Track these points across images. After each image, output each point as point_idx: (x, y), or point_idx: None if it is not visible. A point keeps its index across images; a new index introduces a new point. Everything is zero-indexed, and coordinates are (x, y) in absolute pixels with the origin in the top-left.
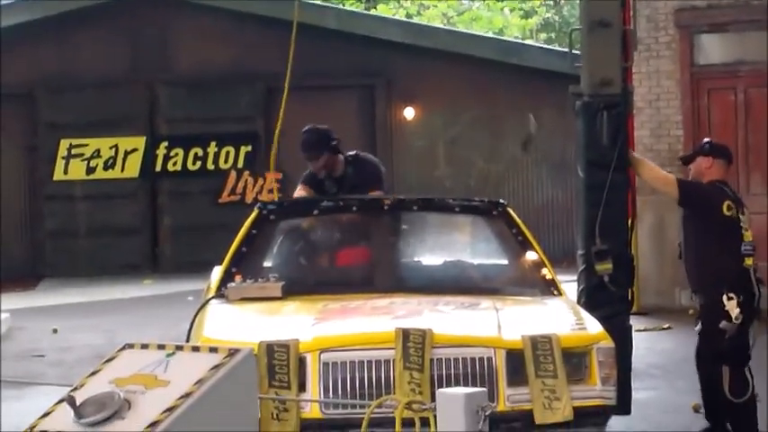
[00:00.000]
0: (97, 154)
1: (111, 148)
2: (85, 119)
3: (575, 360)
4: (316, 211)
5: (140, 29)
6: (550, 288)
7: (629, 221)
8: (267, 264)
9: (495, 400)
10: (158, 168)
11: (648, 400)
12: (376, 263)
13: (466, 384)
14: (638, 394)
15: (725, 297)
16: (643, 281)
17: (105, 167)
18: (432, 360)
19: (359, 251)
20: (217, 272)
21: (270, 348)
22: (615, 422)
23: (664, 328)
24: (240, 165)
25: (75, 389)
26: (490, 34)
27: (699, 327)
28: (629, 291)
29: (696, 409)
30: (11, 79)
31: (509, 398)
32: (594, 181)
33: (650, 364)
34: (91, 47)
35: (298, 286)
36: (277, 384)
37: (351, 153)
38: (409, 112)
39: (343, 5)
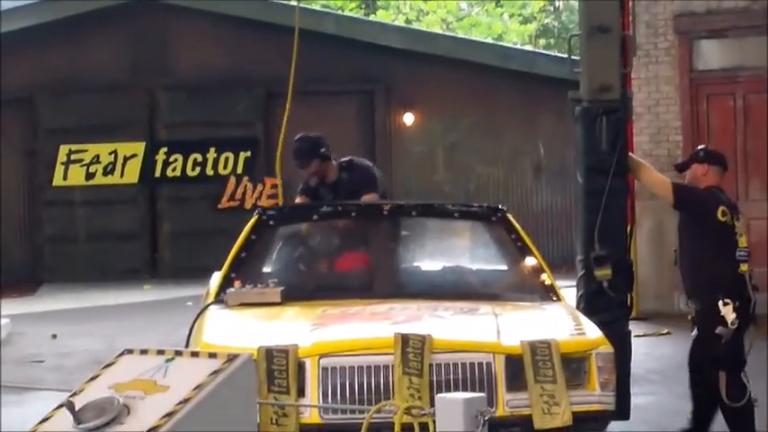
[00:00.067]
0: (96, 159)
1: (110, 153)
2: (85, 124)
3: (574, 365)
4: (315, 217)
5: (140, 34)
6: (549, 293)
7: (628, 227)
8: (266, 269)
9: (495, 405)
10: (158, 174)
11: (647, 405)
12: (375, 268)
13: (465, 389)
14: (637, 399)
15: (720, 302)
16: (642, 286)
17: (105, 173)
18: (431, 365)
19: (358, 257)
20: (216, 277)
21: (269, 354)
22: (614, 427)
23: (663, 334)
24: (239, 170)
25: (75, 394)
26: (489, 40)
27: (695, 332)
28: (628, 296)
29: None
30: (11, 84)
31: (508, 403)
32: (593, 187)
33: (649, 370)
34: (91, 52)
35: (297, 292)
36: (276, 389)
37: (345, 159)
38: (408, 118)
39: (343, 11)
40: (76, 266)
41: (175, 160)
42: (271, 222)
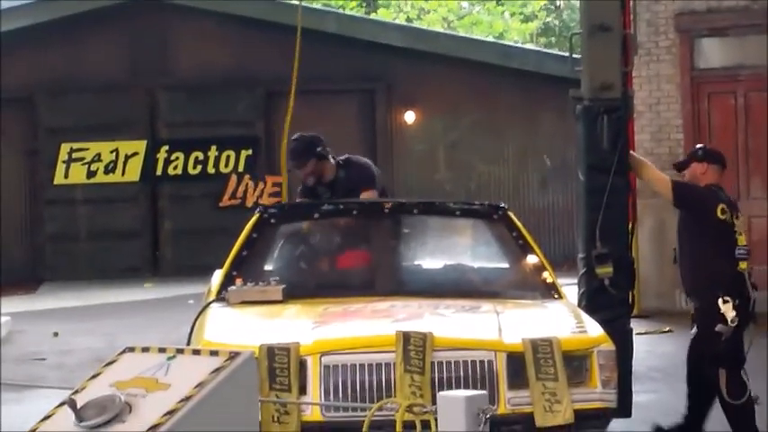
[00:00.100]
0: (98, 158)
1: (111, 152)
2: (86, 123)
3: (575, 363)
4: (316, 215)
5: (141, 33)
6: (551, 291)
7: (630, 225)
8: (268, 267)
9: (496, 402)
10: (159, 172)
11: (649, 402)
12: (376, 266)
13: (467, 387)
14: (638, 397)
15: (720, 300)
16: (643, 284)
17: (106, 171)
18: (432, 363)
19: (359, 254)
20: (217, 275)
21: (271, 351)
22: (616, 425)
23: (664, 331)
24: (241, 169)
25: (76, 392)
26: (490, 38)
27: (694, 330)
28: (630, 294)
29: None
30: (11, 83)
31: (510, 401)
32: (595, 185)
33: (651, 367)
34: (91, 51)
35: (298, 289)
36: (278, 387)
37: (342, 157)
38: (410, 116)
39: (344, 10)
40: (78, 264)
41: (177, 158)
42: (272, 220)
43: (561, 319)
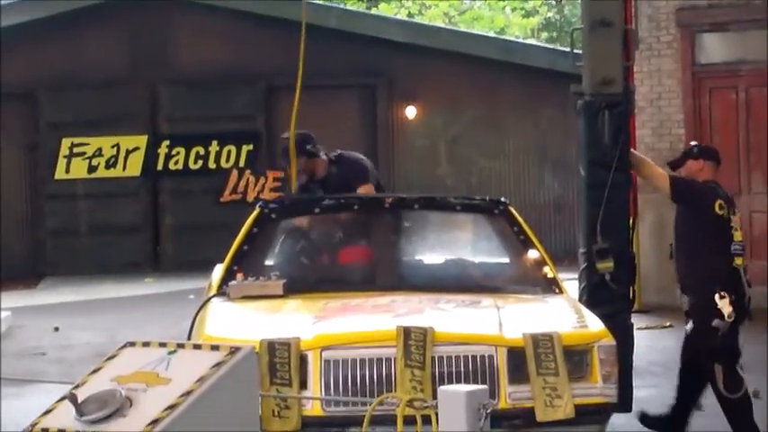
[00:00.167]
0: (99, 153)
1: (112, 146)
2: (87, 118)
3: (576, 358)
4: (317, 210)
5: (141, 28)
6: (552, 286)
7: (631, 220)
8: (269, 262)
9: (497, 397)
10: (160, 167)
11: (649, 397)
12: (377, 261)
13: (467, 382)
14: (639, 392)
15: (717, 296)
16: (644, 279)
17: (107, 166)
18: (433, 358)
19: (360, 249)
20: (218, 270)
21: (271, 346)
22: (616, 420)
23: (665, 326)
24: (242, 164)
25: (77, 386)
26: (491, 34)
27: (690, 326)
28: (631, 289)
29: (698, 407)
30: (12, 78)
31: (510, 395)
32: (596, 180)
33: (651, 362)
34: (92, 46)
35: (299, 284)
36: (278, 382)
37: (334, 153)
38: (411, 112)
39: (345, 5)
40: (78, 259)
41: (177, 153)
42: (273, 215)
43: (562, 313)
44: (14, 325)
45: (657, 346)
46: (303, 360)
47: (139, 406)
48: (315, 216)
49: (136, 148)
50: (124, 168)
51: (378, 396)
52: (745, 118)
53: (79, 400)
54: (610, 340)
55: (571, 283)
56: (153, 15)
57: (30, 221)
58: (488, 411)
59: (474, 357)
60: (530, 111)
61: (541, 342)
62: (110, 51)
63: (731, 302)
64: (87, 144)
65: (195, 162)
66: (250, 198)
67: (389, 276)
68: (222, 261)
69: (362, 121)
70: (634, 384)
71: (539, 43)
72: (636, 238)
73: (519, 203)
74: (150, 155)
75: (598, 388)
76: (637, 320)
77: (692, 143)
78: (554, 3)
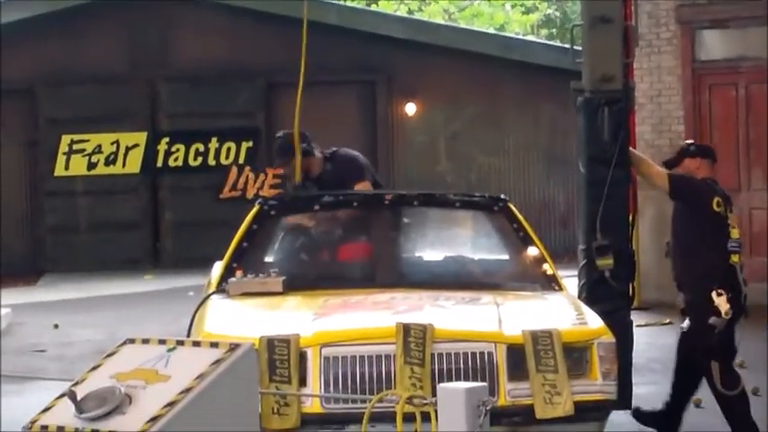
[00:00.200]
0: (98, 149)
1: (112, 143)
2: (86, 114)
3: (575, 355)
4: (316, 207)
5: (141, 24)
6: (551, 283)
7: (630, 217)
8: (268, 259)
9: (496, 394)
10: (159, 164)
11: (649, 394)
12: (377, 258)
13: (467, 379)
14: (638, 389)
15: (714, 293)
16: (644, 276)
17: (106, 163)
18: (432, 355)
19: (360, 246)
20: (218, 267)
21: (270, 343)
22: (616, 417)
23: (664, 324)
24: (241, 160)
25: (77, 383)
26: (491, 30)
27: (686, 323)
28: (630, 286)
29: (697, 404)
30: (12, 75)
31: (510, 392)
32: (595, 176)
33: (651, 359)
34: (92, 42)
35: (298, 281)
36: (278, 379)
37: (329, 150)
38: (410, 108)
39: (345, 1)
40: (78, 256)
41: (177, 150)
42: (272, 212)
43: (561, 310)
44: (14, 322)
45: (657, 343)
46: (303, 357)
47: (139, 403)
48: (314, 213)
49: (135, 145)
50: (124, 165)
51: (377, 393)
52: (745, 115)
53: (79, 398)
54: (609, 337)
55: (570, 280)
56: (153, 12)
57: (29, 218)
58: (488, 408)
59: (473, 354)
60: (529, 107)
61: (541, 339)
62: (110, 48)
63: (728, 300)
64: (87, 141)
65: (195, 159)
66: (250, 195)
67: (389, 273)
68: (222, 258)
69: (362, 117)
70: (633, 381)
71: (538, 40)
72: (636, 235)
73: (518, 200)
74: (150, 152)
75: (597, 385)
76: (636, 317)
77: (688, 142)
78: None
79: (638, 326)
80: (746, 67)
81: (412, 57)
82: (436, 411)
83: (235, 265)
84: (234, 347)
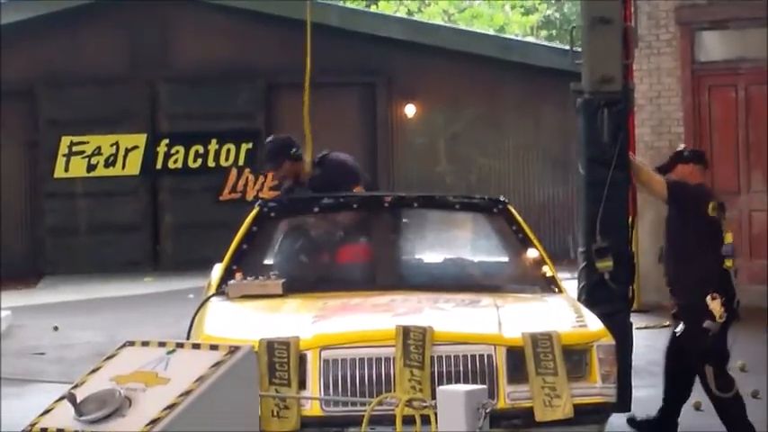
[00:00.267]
0: (98, 151)
1: (111, 145)
2: (86, 116)
3: (575, 357)
4: (316, 209)
5: (141, 25)
6: (551, 285)
7: (630, 219)
8: (268, 261)
9: (496, 397)
10: (159, 166)
11: (649, 397)
12: (376, 260)
13: (466, 382)
14: (638, 392)
15: (709, 297)
16: (644, 278)
17: (106, 165)
18: (432, 357)
19: (359, 249)
20: (217, 269)
21: (270, 346)
22: (615, 419)
23: (664, 326)
24: (241, 162)
25: (76, 386)
26: (491, 31)
27: (680, 327)
28: (630, 288)
29: (697, 407)
30: (11, 76)
31: (509, 395)
32: (595, 178)
33: (650, 362)
34: (91, 43)
35: (298, 284)
36: (277, 382)
37: (319, 155)
38: (410, 110)
39: (345, 3)
40: (78, 258)
41: (177, 152)
42: (272, 214)
43: (561, 313)
44: (14, 324)
45: (656, 346)
46: (302, 360)
47: (138, 406)
48: (314, 215)
49: (135, 147)
50: (123, 167)
51: (377, 396)
52: (744, 116)
53: (78, 400)
54: (609, 340)
55: (570, 283)
56: (152, 13)
57: (29, 220)
58: (487, 411)
59: (473, 357)
60: (529, 109)
61: (540, 341)
62: (109, 49)
63: (722, 304)
64: (86, 142)
65: (194, 160)
66: (249, 197)
67: (389, 276)
68: (221, 260)
69: (362, 119)
70: (633, 384)
71: (538, 41)
72: (635, 237)
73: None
74: (149, 153)
75: (597, 387)
76: (636, 320)
77: (681, 147)
78: (553, 0)
79: (637, 328)
80: (746, 68)
81: (412, 58)
82: (436, 414)
83: (234, 267)
84: (233, 350)
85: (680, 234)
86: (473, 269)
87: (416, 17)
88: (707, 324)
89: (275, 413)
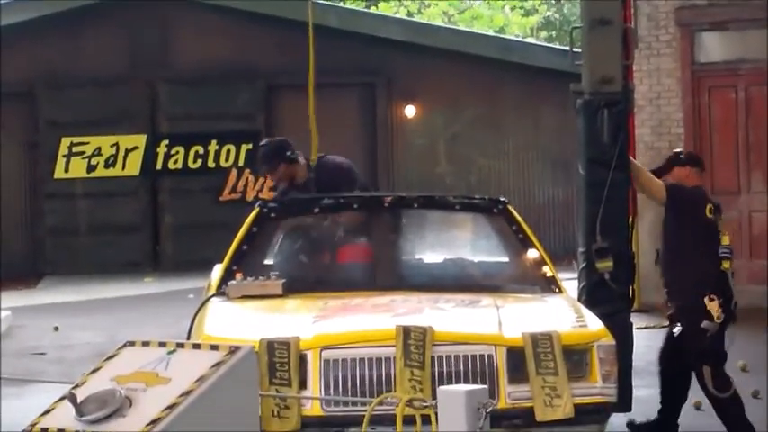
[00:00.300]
0: (98, 152)
1: (111, 146)
2: (86, 117)
3: (575, 357)
4: (316, 210)
5: (141, 26)
6: (551, 285)
7: (630, 219)
8: (268, 262)
9: (496, 397)
10: (159, 166)
11: (649, 397)
12: (377, 260)
13: (467, 381)
14: (638, 392)
15: (707, 298)
16: (644, 278)
17: (106, 165)
18: (432, 357)
19: (360, 249)
20: (217, 270)
21: (271, 346)
22: (616, 419)
23: (664, 326)
24: (241, 163)
25: (77, 386)
26: (491, 32)
27: (678, 328)
28: (630, 288)
29: (697, 407)
30: (11, 77)
31: (510, 395)
32: (595, 179)
33: (651, 362)
34: (91, 44)
35: (299, 284)
36: (278, 382)
37: (318, 156)
38: (410, 110)
39: (344, 4)
40: (78, 259)
41: (177, 153)
42: (272, 215)
43: (561, 313)
44: (14, 324)
45: (657, 346)
46: (303, 360)
47: (139, 406)
48: (314, 216)
49: (135, 148)
50: (123, 167)
51: (377, 396)
52: (744, 117)
53: (79, 400)
54: (609, 340)
55: (570, 283)
56: (152, 14)
57: (29, 221)
58: (488, 411)
59: (473, 357)
60: (529, 109)
61: (541, 341)
62: (109, 50)
63: (720, 305)
64: (86, 143)
65: (194, 161)
66: (249, 197)
67: (389, 276)
68: (221, 260)
69: (362, 119)
70: (633, 384)
71: (538, 42)
72: (635, 238)
73: (518, 202)
74: (149, 154)
75: (597, 387)
76: (636, 320)
77: (677, 150)
78: (553, 1)
79: (637, 328)
80: (746, 69)
81: (411, 59)
82: (436, 414)
83: (235, 267)
84: (234, 350)
85: (677, 237)
86: (473, 269)
87: (416, 18)
88: (705, 324)
89: (276, 413)
